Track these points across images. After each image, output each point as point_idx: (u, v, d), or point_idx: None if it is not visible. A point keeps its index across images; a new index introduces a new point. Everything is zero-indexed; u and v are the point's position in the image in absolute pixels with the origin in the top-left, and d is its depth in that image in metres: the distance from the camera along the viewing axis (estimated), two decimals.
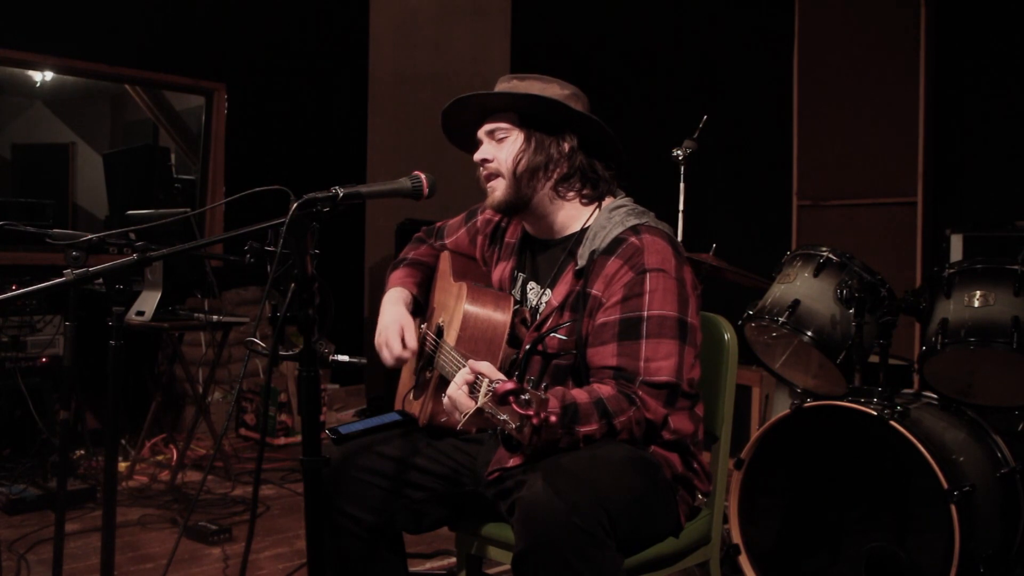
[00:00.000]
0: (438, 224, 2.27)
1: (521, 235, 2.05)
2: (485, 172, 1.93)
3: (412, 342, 1.99)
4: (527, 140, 1.88)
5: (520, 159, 1.88)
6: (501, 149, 1.90)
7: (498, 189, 1.91)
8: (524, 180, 1.88)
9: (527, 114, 1.89)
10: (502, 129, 1.90)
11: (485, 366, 1.55)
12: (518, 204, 1.92)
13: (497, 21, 5.86)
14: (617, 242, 1.82)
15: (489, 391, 1.42)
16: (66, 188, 5.58)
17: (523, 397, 1.39)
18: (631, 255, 1.79)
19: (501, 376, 1.51)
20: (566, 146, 1.89)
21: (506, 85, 1.92)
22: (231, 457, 4.21)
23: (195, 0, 4.97)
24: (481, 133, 1.94)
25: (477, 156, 1.93)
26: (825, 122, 4.30)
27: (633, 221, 1.85)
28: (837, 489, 2.43)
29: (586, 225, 1.92)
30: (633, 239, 1.81)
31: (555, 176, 1.89)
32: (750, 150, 4.69)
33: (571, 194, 1.92)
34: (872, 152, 4.14)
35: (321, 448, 1.63)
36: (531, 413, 1.38)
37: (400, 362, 2.00)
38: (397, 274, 2.17)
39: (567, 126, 1.89)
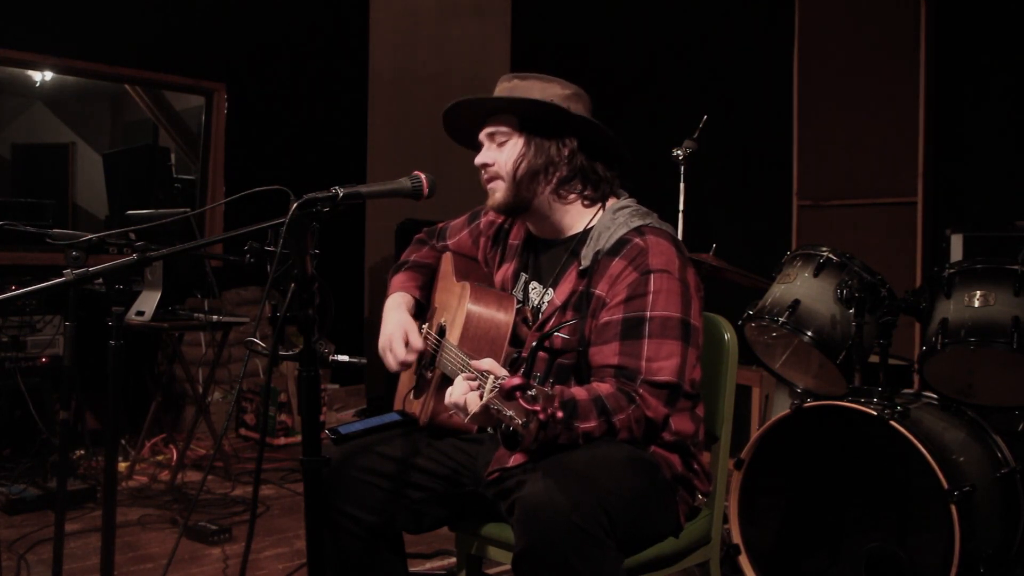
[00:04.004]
0: (440, 225, 2.27)
1: (524, 236, 2.05)
2: (486, 175, 1.93)
3: (417, 341, 1.99)
4: (527, 144, 1.88)
5: (520, 163, 1.88)
6: (501, 152, 1.90)
7: (498, 191, 1.92)
8: (524, 183, 1.88)
9: (527, 117, 1.89)
10: (502, 132, 1.90)
11: (488, 363, 1.56)
12: (518, 206, 1.92)
13: (497, 21, 5.86)
14: (622, 243, 1.83)
15: (495, 387, 1.42)
16: (66, 188, 5.57)
17: (530, 393, 1.39)
18: (635, 256, 1.80)
19: (505, 372, 1.52)
20: (566, 149, 1.88)
21: (507, 85, 1.92)
22: (231, 457, 4.20)
23: (195, 0, 4.97)
24: (482, 135, 1.94)
25: (478, 160, 1.94)
26: (825, 122, 4.30)
27: (637, 222, 1.85)
28: (837, 489, 2.43)
29: (590, 225, 1.92)
30: (638, 240, 1.82)
31: (556, 179, 1.89)
32: (750, 150, 4.69)
33: (572, 196, 1.92)
34: (872, 152, 4.14)
35: (321, 448, 1.63)
36: (538, 408, 1.38)
37: (404, 366, 2.00)
38: (399, 278, 2.17)
39: (567, 128, 1.89)
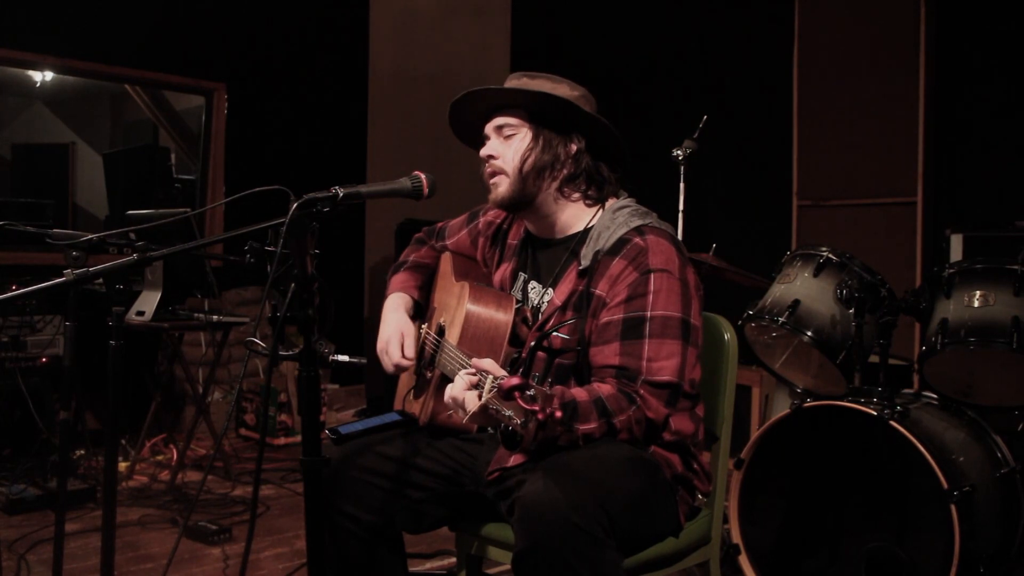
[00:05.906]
0: (439, 225, 2.27)
1: (523, 235, 2.05)
2: (489, 169, 1.92)
3: (410, 351, 2.00)
4: (535, 138, 1.88)
5: (528, 157, 1.87)
6: (508, 146, 1.90)
7: (501, 185, 1.91)
8: (530, 178, 1.88)
9: (537, 112, 1.89)
10: (511, 125, 1.90)
11: (488, 363, 1.56)
12: (521, 202, 1.91)
13: (497, 21, 5.86)
14: (621, 242, 1.83)
15: (494, 387, 1.42)
16: (66, 188, 5.58)
17: (528, 393, 1.39)
18: (635, 255, 1.80)
19: (504, 372, 1.52)
20: (573, 147, 1.89)
21: (516, 82, 1.91)
22: (231, 457, 4.20)
23: (195, 0, 4.98)
24: (489, 128, 1.93)
25: (483, 151, 1.92)
26: (825, 122, 4.30)
27: (637, 222, 1.85)
28: (837, 489, 2.43)
29: (589, 225, 1.92)
30: (637, 240, 1.82)
31: (561, 176, 1.89)
32: (750, 150, 4.69)
33: (576, 195, 1.92)
34: (872, 152, 4.14)
35: (321, 448, 1.63)
36: (536, 408, 1.38)
37: (400, 370, 2.02)
38: (398, 278, 2.17)
39: (576, 127, 1.89)
